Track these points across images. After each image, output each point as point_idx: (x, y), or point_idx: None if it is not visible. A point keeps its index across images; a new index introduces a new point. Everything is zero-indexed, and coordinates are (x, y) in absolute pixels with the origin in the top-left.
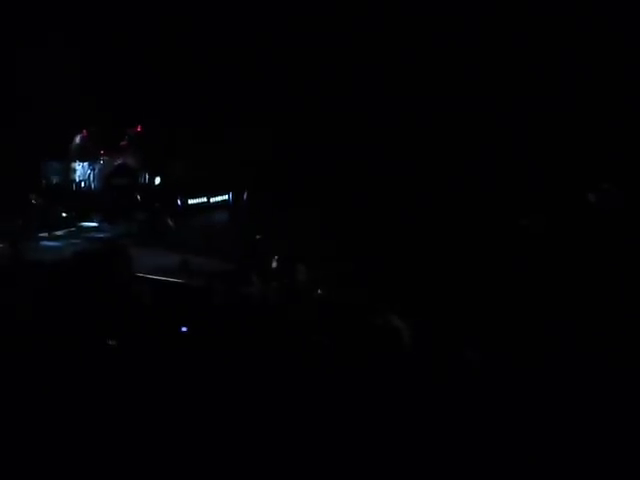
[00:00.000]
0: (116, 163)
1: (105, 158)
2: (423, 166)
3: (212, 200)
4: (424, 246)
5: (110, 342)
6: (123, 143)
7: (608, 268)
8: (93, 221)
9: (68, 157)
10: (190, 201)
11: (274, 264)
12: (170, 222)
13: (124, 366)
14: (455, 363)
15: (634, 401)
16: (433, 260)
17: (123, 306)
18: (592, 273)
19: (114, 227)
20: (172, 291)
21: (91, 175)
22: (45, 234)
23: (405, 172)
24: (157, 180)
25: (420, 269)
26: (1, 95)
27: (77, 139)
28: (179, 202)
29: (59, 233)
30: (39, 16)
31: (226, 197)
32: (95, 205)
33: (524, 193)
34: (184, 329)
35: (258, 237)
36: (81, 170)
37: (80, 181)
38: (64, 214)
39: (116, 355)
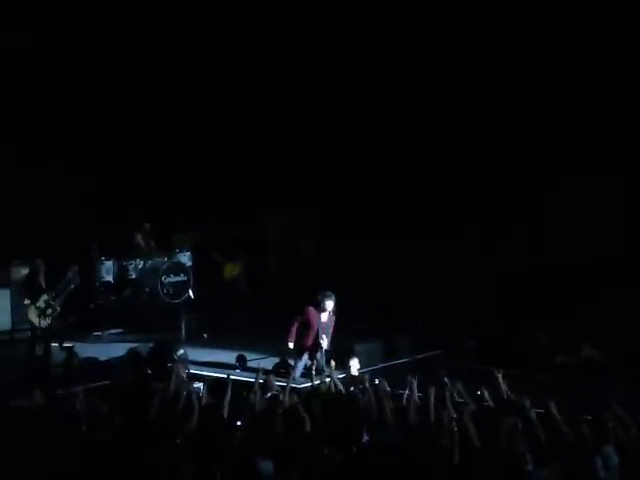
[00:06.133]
0: (169, 260)
1: (157, 255)
2: None
3: None
4: None
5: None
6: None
7: None
8: (145, 318)
9: (120, 255)
10: None
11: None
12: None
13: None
14: None
15: None
16: None
17: (181, 405)
18: None
19: (167, 324)
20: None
21: (144, 273)
22: (99, 333)
23: None
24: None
25: None
26: (57, 193)
27: (133, 237)
28: None
29: (113, 332)
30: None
31: None
32: (148, 303)
33: None
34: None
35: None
36: (133, 268)
37: (132, 279)
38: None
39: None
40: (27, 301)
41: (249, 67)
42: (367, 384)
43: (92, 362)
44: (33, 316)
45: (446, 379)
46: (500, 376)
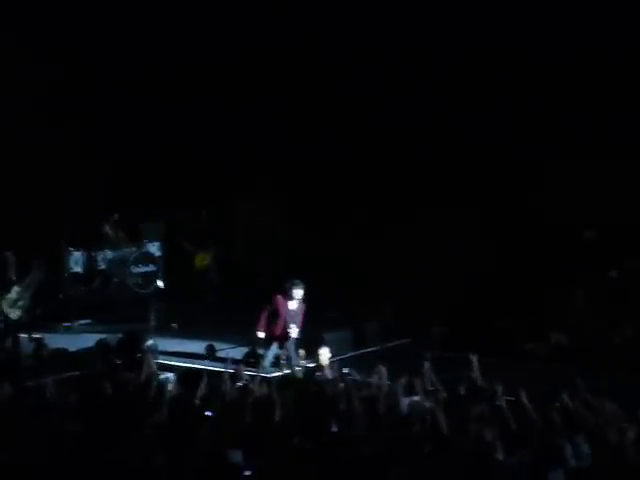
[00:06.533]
0: (137, 251)
1: (126, 246)
2: None
3: None
4: None
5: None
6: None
7: None
8: (115, 309)
9: (89, 246)
10: None
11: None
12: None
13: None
14: None
15: None
16: None
17: (150, 394)
18: None
19: (137, 315)
20: (197, 377)
21: (112, 263)
22: (68, 324)
23: None
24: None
25: None
26: (24, 185)
27: (101, 228)
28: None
29: (82, 322)
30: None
31: None
32: (117, 293)
33: None
34: (208, 413)
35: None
36: (102, 258)
37: (101, 269)
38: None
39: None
40: None
41: (220, 54)
42: (336, 373)
43: (61, 353)
44: (5, 307)
45: (426, 363)
46: (475, 359)
